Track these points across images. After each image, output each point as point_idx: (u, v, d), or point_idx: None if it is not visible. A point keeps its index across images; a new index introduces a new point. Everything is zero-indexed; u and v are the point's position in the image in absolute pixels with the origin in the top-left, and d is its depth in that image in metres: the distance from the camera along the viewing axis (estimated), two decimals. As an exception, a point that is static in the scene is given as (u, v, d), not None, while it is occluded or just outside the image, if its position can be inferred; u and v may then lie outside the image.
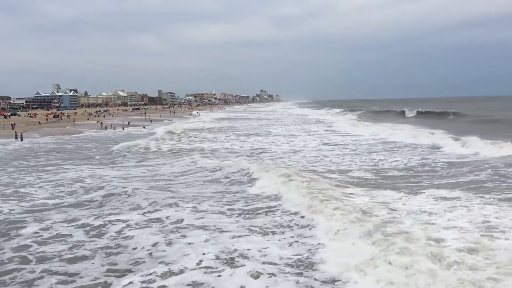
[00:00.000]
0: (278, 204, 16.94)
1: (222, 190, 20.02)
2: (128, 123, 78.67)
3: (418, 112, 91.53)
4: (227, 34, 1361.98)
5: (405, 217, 14.23)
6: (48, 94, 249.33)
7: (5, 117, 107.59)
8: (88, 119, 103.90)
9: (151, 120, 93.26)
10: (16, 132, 52.30)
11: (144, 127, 68.71)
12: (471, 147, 31.19)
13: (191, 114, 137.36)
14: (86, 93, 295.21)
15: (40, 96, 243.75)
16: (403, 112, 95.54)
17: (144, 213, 15.77)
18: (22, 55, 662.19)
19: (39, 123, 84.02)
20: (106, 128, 68.71)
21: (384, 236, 11.91)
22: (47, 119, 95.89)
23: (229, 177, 22.97)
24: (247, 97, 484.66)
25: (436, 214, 14.68)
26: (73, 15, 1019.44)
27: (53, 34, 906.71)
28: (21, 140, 48.36)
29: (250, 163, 27.40)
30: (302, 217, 15.03)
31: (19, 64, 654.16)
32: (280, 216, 15.42)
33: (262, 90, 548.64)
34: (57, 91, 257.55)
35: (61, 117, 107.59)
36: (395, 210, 15.17)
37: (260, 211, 16.14)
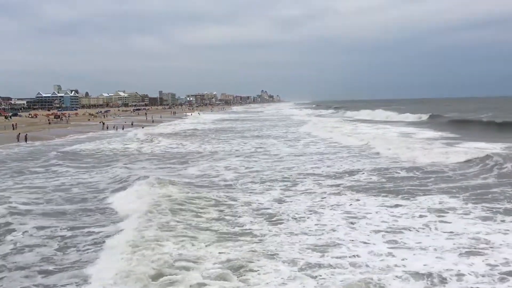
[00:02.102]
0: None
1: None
2: (132, 124, 78.68)
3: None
4: (228, 36, 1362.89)
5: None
6: (49, 95, 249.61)
7: (6, 117, 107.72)
8: (89, 119, 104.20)
9: (152, 121, 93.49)
10: (19, 133, 51.23)
11: (143, 127, 69.67)
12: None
13: (192, 114, 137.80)
14: (87, 93, 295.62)
15: (41, 97, 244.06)
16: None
17: None
18: (23, 56, 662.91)
19: (49, 123, 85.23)
20: (107, 128, 68.99)
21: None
22: (48, 120, 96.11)
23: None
24: (248, 97, 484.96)
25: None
26: (75, 17, 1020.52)
27: (55, 35, 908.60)
28: (25, 141, 46.84)
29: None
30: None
31: (21, 65, 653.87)
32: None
33: (262, 90, 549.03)
34: (58, 92, 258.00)
35: (61, 118, 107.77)
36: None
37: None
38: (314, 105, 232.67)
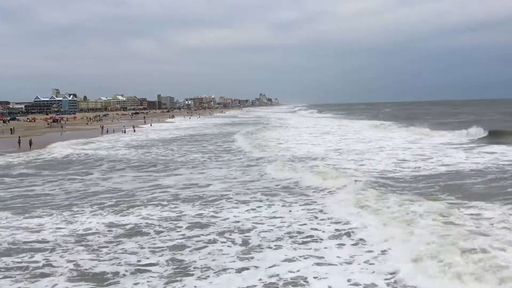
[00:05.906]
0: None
1: None
2: (133, 127, 77.54)
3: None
4: (227, 39, 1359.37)
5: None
6: (48, 99, 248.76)
7: (4, 122, 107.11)
8: (87, 123, 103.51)
9: (151, 124, 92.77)
10: (20, 137, 49.78)
11: (134, 130, 71.57)
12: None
13: (190, 117, 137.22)
14: (85, 97, 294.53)
15: (39, 101, 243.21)
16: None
17: None
18: (21, 60, 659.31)
19: (62, 127, 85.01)
20: (107, 132, 68.41)
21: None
22: (48, 124, 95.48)
23: None
24: (246, 101, 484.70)
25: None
26: (73, 21, 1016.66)
27: (53, 39, 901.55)
28: (30, 146, 43.85)
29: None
30: None
31: (19, 69, 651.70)
32: None
33: (261, 94, 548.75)
34: (56, 96, 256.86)
35: (60, 122, 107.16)
36: None
37: None
38: (298, 108, 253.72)
